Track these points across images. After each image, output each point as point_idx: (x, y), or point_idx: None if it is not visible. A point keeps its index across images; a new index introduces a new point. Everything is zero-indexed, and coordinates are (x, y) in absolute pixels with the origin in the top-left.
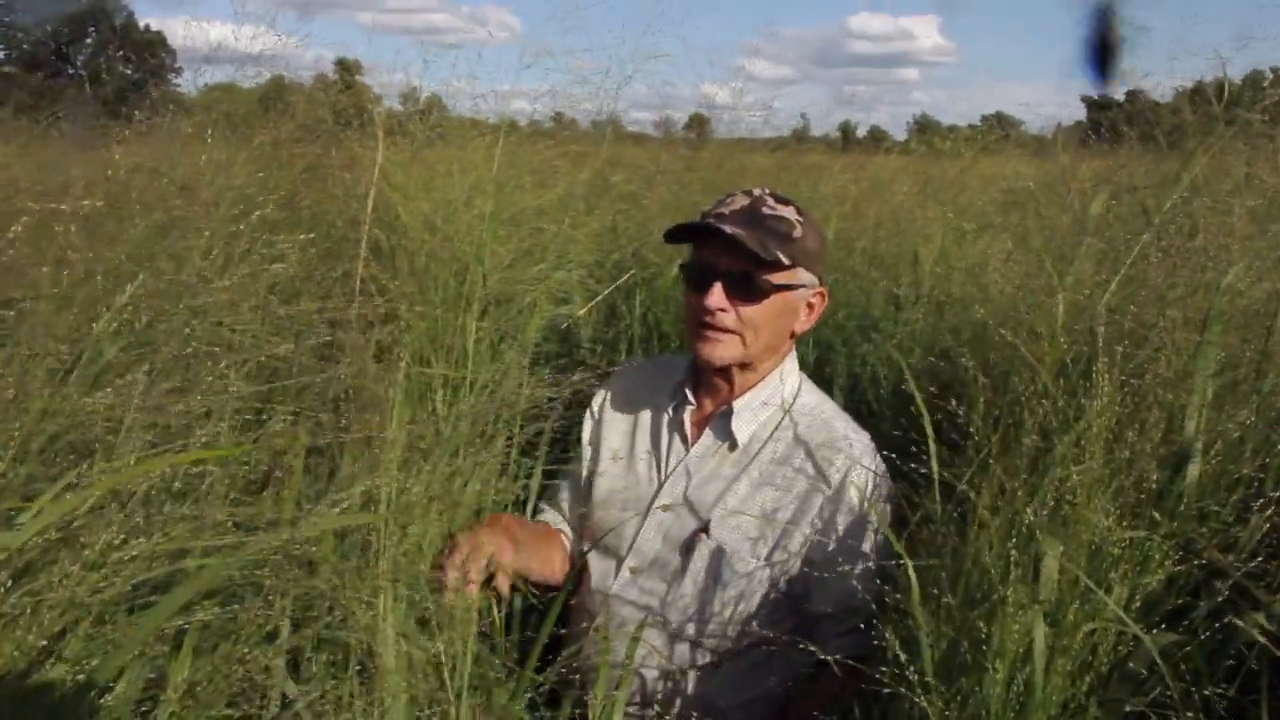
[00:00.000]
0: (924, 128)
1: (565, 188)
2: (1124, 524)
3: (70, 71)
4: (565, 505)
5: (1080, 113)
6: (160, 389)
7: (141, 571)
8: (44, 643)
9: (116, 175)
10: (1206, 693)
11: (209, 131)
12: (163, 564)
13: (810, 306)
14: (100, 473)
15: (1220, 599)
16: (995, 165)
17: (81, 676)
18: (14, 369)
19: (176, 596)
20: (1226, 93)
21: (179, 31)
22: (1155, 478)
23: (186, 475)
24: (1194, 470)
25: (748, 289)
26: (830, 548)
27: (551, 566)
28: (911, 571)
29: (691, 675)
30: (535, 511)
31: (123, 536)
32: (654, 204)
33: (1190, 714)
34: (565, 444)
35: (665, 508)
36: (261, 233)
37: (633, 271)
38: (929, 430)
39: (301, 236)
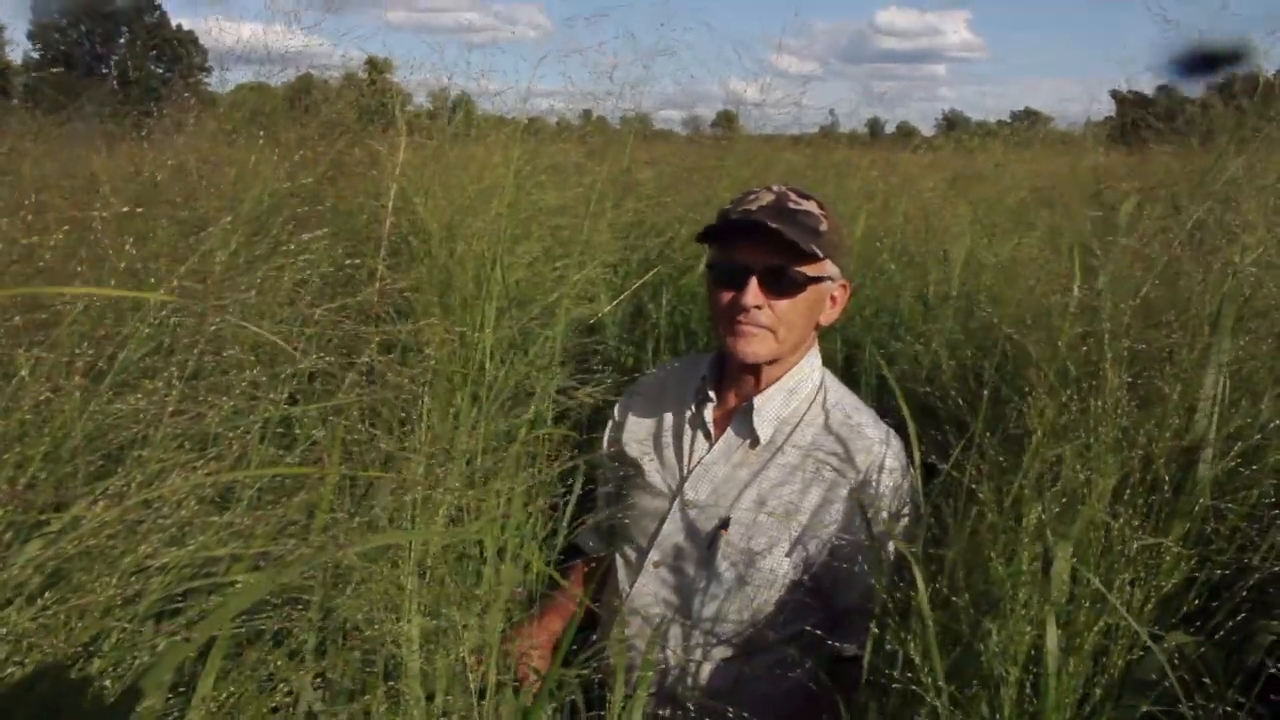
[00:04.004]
0: (953, 124)
1: (588, 185)
2: (1134, 525)
3: (104, 71)
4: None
5: (1109, 108)
6: (193, 395)
7: (174, 580)
8: (75, 651)
9: (143, 174)
10: (1229, 707)
11: (235, 130)
12: (191, 573)
13: (834, 299)
14: (142, 481)
15: (1239, 600)
16: (1024, 161)
17: (110, 685)
18: (47, 371)
19: (231, 606)
20: (1261, 86)
21: (211, 31)
22: (1166, 477)
23: (217, 483)
24: (1205, 469)
25: (783, 284)
26: (855, 541)
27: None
28: (919, 574)
29: (716, 670)
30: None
31: (155, 546)
32: (681, 201)
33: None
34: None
35: (688, 504)
36: (286, 230)
37: (658, 269)
38: (908, 415)
39: (323, 232)
